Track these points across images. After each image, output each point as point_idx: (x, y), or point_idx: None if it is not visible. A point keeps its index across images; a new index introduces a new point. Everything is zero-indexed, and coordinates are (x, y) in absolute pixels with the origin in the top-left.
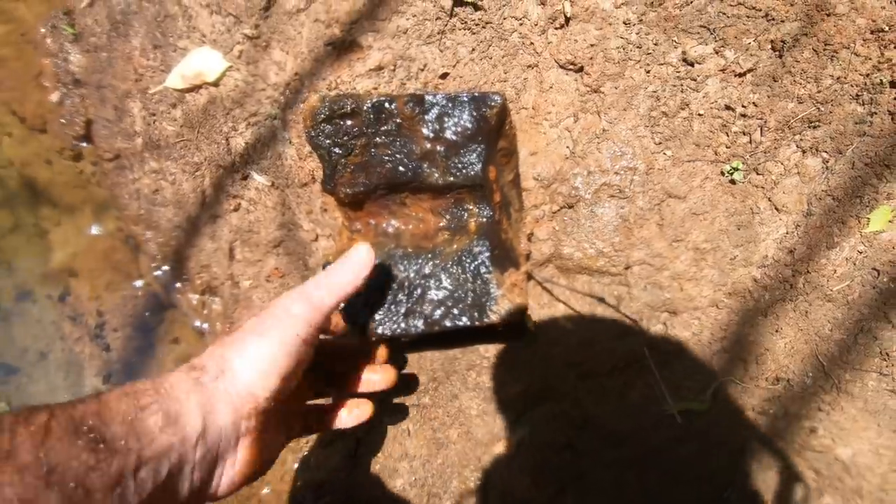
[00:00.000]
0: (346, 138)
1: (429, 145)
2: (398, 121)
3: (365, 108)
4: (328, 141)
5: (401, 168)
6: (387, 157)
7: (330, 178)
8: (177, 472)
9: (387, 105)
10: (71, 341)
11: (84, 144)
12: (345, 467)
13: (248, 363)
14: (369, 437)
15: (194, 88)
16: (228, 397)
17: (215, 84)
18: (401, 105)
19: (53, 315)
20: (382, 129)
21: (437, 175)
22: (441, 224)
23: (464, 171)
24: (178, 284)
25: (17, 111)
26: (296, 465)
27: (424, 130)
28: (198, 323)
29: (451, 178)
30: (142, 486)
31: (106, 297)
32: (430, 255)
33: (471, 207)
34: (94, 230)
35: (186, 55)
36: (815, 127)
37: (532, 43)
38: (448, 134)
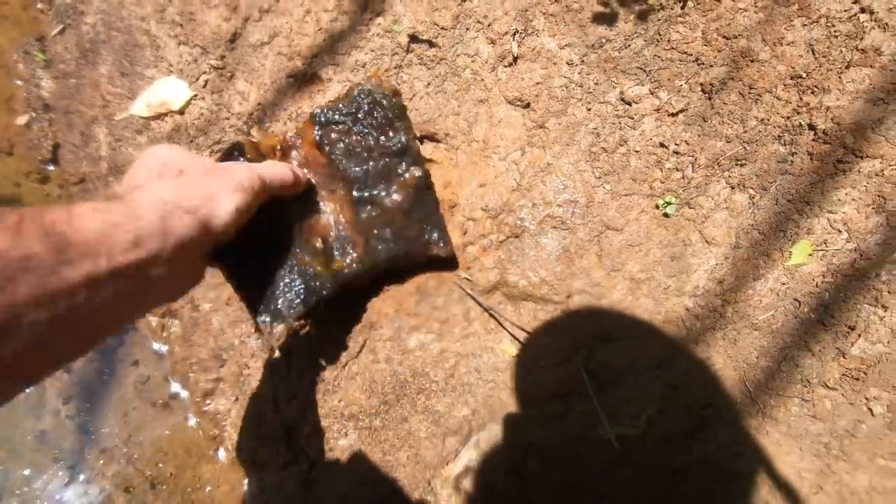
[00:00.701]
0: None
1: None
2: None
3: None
4: None
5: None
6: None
7: None
8: (144, 285)
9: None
10: None
11: (51, 168)
12: (299, 492)
13: (205, 199)
14: (322, 459)
15: (159, 116)
16: (188, 223)
17: (180, 112)
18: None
19: None
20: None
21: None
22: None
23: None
24: None
25: None
26: (248, 490)
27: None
28: (157, 346)
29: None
30: (113, 293)
31: None
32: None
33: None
34: None
35: (153, 84)
36: (742, 165)
37: (483, 79)
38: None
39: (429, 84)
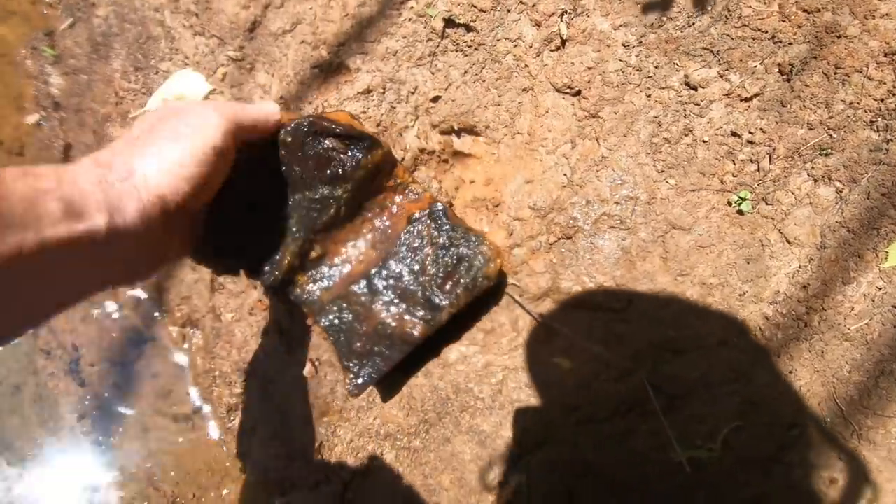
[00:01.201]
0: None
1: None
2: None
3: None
4: None
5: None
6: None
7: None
8: (87, 263)
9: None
10: (44, 376)
11: None
12: None
13: (157, 165)
14: (356, 481)
15: None
16: (137, 195)
17: None
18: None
19: (26, 347)
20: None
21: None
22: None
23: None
24: (158, 316)
25: None
26: None
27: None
28: (178, 357)
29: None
30: (48, 268)
31: (82, 329)
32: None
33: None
34: None
35: (168, 78)
36: (827, 154)
37: (527, 66)
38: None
39: (466, 72)
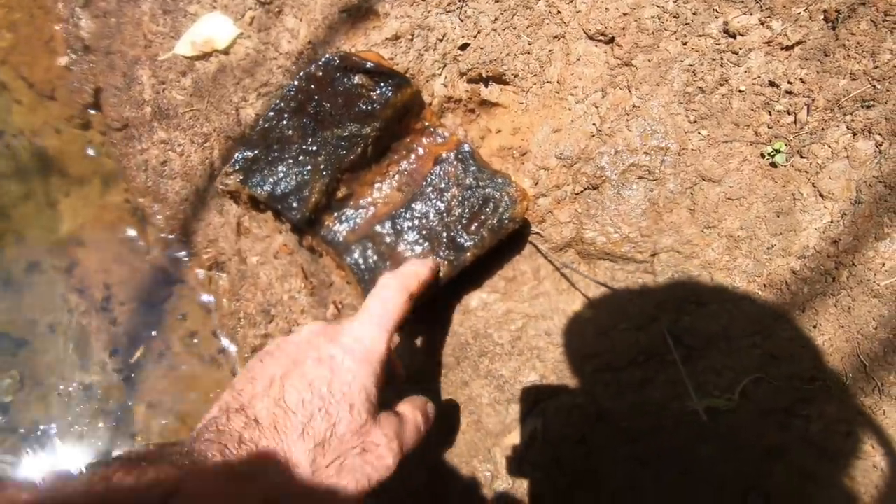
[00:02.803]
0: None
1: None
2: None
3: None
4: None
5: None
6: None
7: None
8: None
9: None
10: (78, 314)
11: (92, 112)
12: None
13: None
14: None
15: (204, 56)
16: None
17: (225, 52)
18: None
19: (61, 287)
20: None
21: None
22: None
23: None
24: (186, 259)
25: (26, 77)
26: None
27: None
28: (205, 298)
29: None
30: None
31: (114, 269)
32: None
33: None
34: (102, 201)
35: (196, 21)
36: (868, 107)
37: (559, 12)
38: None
39: (496, 19)
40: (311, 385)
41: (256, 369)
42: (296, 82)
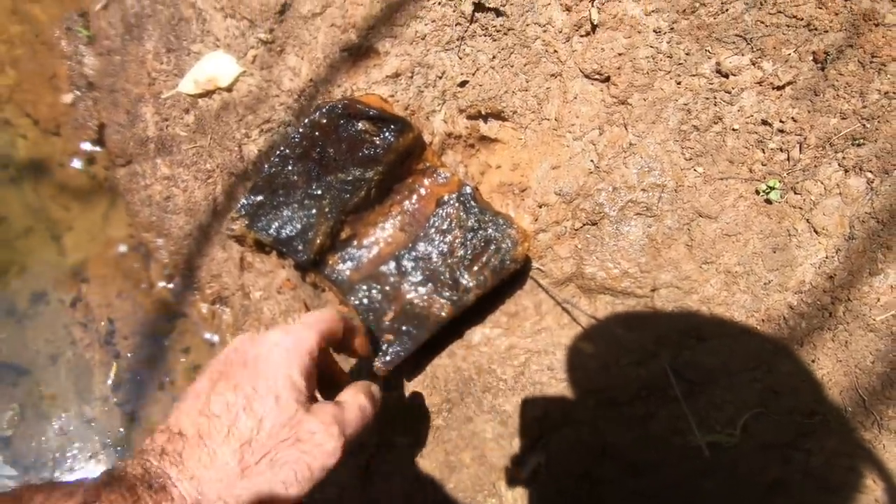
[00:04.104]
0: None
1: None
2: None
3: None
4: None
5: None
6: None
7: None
8: None
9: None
10: (81, 347)
11: (97, 148)
12: (357, 485)
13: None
14: (380, 455)
15: (207, 93)
16: None
17: (228, 89)
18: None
19: (65, 319)
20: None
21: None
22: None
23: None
24: (189, 294)
25: (30, 113)
26: None
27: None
28: (208, 334)
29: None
30: None
31: (117, 304)
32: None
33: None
34: (106, 236)
35: (200, 59)
36: (859, 144)
37: (556, 51)
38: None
39: (494, 57)
40: (236, 387)
41: (187, 390)
42: (301, 129)
